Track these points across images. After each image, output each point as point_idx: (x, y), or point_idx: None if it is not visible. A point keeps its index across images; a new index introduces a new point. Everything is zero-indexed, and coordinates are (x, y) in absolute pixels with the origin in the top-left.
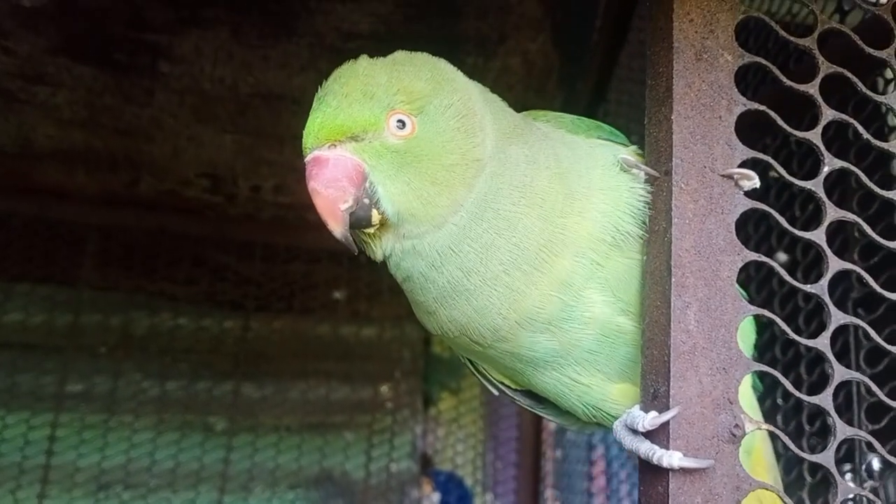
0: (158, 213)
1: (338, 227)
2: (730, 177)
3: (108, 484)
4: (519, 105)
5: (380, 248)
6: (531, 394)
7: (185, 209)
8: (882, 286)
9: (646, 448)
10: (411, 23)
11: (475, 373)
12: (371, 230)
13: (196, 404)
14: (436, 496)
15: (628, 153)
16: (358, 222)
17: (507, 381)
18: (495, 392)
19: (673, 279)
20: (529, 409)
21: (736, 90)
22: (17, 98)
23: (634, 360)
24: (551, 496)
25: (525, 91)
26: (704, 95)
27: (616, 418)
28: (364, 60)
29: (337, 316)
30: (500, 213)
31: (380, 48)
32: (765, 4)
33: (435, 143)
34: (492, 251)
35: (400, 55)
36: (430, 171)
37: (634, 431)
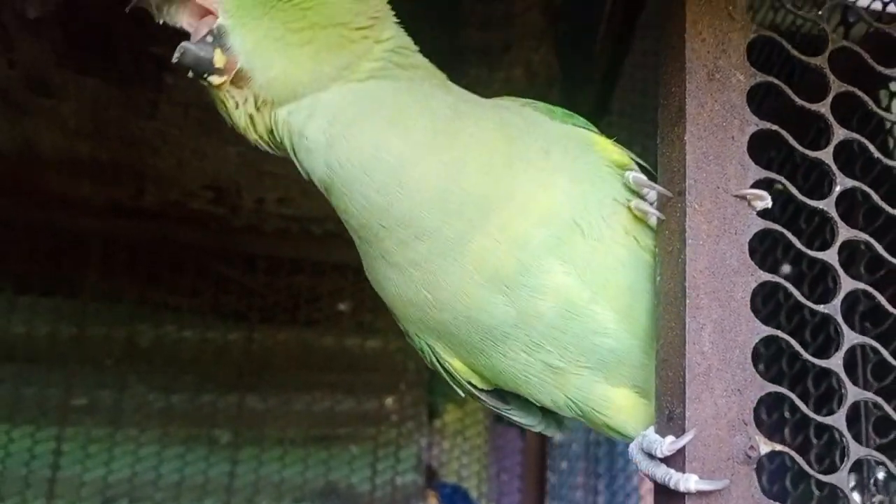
0: (163, 225)
1: None
2: (743, 197)
3: (114, 497)
4: None
5: (239, 116)
6: (498, 395)
7: (189, 221)
8: (890, 301)
9: (662, 472)
10: (415, 34)
11: (441, 370)
12: (217, 81)
13: (201, 417)
14: None
15: (637, 171)
16: (197, 64)
17: (473, 379)
18: (462, 393)
19: (687, 301)
20: (495, 409)
21: (748, 110)
22: (22, 109)
23: (618, 356)
24: None
25: None
26: (717, 115)
27: (616, 427)
28: None
29: (342, 327)
30: (403, 123)
31: None
32: (769, 14)
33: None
34: (406, 167)
35: None
36: (302, 23)
37: (650, 455)
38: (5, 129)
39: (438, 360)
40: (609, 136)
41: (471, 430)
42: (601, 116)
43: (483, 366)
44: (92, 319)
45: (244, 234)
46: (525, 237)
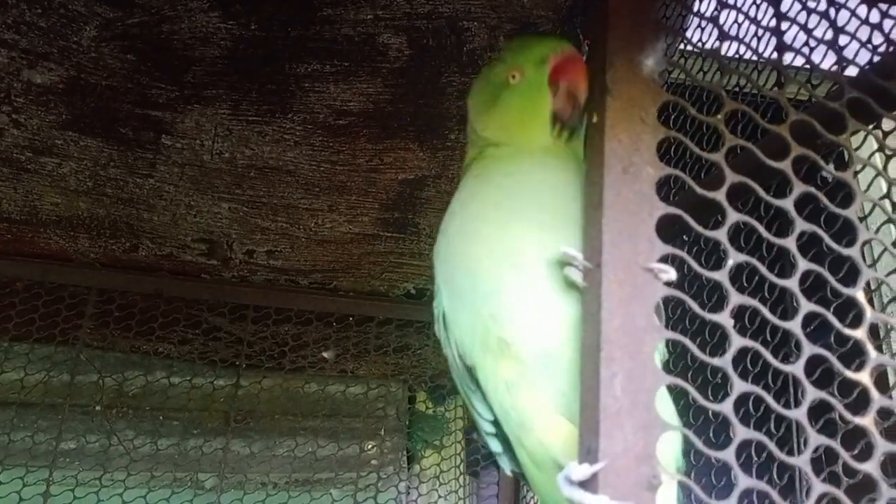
0: (156, 277)
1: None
2: (651, 270)
3: None
4: None
5: (544, 138)
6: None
7: (181, 273)
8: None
9: (579, 495)
10: (398, 101)
11: (444, 335)
12: (566, 130)
13: (186, 461)
14: None
15: (568, 247)
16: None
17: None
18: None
19: (602, 353)
20: (464, 390)
21: (656, 197)
22: (25, 168)
23: (562, 378)
24: None
25: None
26: (630, 203)
27: (545, 443)
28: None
29: (325, 374)
30: (563, 169)
31: (369, 124)
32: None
33: None
34: (548, 192)
35: None
36: None
37: (571, 481)
38: (9, 191)
39: (445, 326)
40: None
41: (447, 474)
42: None
43: (461, 327)
44: (84, 367)
45: (234, 285)
46: (550, 250)
